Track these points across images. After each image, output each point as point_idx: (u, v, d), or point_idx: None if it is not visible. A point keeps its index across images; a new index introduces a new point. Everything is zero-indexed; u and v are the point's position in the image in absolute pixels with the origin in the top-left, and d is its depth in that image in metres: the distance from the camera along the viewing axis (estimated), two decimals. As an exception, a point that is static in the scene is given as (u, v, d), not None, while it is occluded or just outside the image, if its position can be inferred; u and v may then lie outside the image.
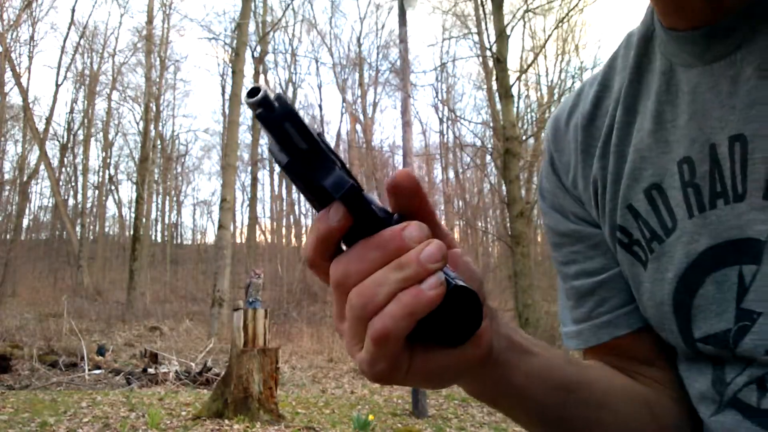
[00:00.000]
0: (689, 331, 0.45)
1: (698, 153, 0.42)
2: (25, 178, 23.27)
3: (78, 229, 24.04)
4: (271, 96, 0.28)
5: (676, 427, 0.48)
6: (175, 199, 30.94)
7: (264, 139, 28.54)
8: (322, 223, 0.31)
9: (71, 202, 26.82)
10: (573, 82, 16.27)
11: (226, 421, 5.43)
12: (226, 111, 22.06)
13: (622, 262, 0.50)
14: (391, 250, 0.31)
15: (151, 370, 9.30)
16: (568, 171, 0.54)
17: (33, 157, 24.28)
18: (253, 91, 0.29)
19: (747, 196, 0.40)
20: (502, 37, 10.64)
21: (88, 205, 27.05)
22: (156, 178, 25.77)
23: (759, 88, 0.39)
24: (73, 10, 28.54)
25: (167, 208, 30.84)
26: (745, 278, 0.40)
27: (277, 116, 0.29)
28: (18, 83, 21.59)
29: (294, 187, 0.31)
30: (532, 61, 15.20)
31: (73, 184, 27.05)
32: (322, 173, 0.30)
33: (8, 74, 21.72)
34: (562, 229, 0.55)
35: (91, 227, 28.47)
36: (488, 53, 11.82)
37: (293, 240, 29.50)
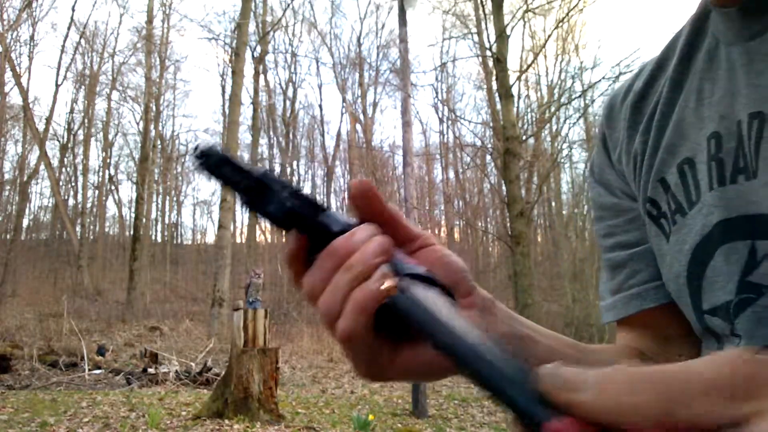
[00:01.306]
0: (699, 303, 0.45)
1: (726, 129, 0.43)
2: (25, 178, 23.26)
3: (78, 229, 24.05)
4: (206, 148, 0.33)
5: None
6: (175, 199, 30.96)
7: (264, 140, 28.59)
8: (284, 248, 0.35)
9: (71, 202, 26.83)
10: (573, 82, 16.28)
11: (226, 421, 5.43)
12: (226, 111, 22.06)
13: (650, 235, 0.51)
14: (341, 256, 0.33)
15: (151, 370, 9.30)
16: (617, 147, 0.55)
17: (33, 157, 24.29)
18: (195, 149, 0.33)
19: (759, 174, 0.40)
20: (502, 37, 10.64)
21: (88, 205, 27.07)
22: (156, 178, 25.76)
23: None
24: (73, 10, 28.54)
25: (167, 208, 30.86)
26: (757, 252, 0.40)
27: (213, 164, 0.33)
28: (18, 83, 21.59)
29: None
30: (532, 61, 15.20)
31: (73, 184, 27.06)
32: (267, 203, 0.34)
33: (8, 74, 21.73)
34: (604, 202, 0.57)
35: (91, 227, 28.48)
36: (488, 53, 11.81)
37: (293, 240, 29.51)
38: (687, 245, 0.45)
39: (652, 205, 0.50)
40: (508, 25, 10.85)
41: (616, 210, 0.56)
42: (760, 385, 0.21)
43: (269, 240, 28.86)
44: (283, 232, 0.36)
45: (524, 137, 12.65)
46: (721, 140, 0.43)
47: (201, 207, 33.35)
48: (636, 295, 0.53)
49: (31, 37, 23.38)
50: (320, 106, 32.75)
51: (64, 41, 24.13)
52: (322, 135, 29.93)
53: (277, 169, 29.16)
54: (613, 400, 0.21)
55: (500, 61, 10.58)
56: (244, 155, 24.98)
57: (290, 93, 29.24)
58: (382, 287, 0.32)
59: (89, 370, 9.58)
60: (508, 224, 10.91)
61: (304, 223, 0.35)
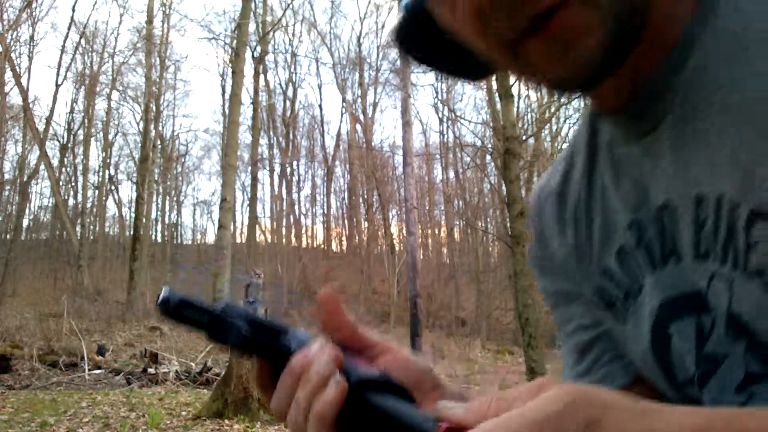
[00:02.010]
0: (674, 376, 0.47)
1: (644, 217, 0.47)
2: (25, 178, 23.27)
3: (78, 229, 24.03)
4: (165, 296, 0.36)
5: None
6: (175, 199, 30.96)
7: (264, 140, 28.59)
8: (254, 375, 0.39)
9: (71, 202, 26.84)
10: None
11: (226, 421, 5.44)
12: (226, 111, 22.06)
13: (605, 320, 0.54)
14: (299, 372, 0.37)
15: (151, 370, 9.31)
16: (550, 238, 0.58)
17: (33, 157, 24.30)
18: (157, 298, 0.37)
19: (684, 256, 0.44)
20: (502, 37, 10.63)
21: (88, 205, 27.07)
22: (156, 178, 25.76)
23: (672, 164, 0.43)
24: (73, 10, 28.54)
25: (167, 208, 30.87)
26: (704, 326, 0.43)
27: (172, 308, 0.36)
28: (18, 83, 21.59)
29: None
30: (532, 61, 15.19)
31: (73, 184, 27.08)
32: (228, 335, 0.37)
33: (8, 74, 21.73)
34: (555, 290, 0.59)
35: (91, 227, 28.49)
36: (488, 53, 11.77)
37: (293, 240, 29.52)
38: (644, 328, 0.48)
39: (601, 294, 0.52)
40: (508, 25, 10.84)
41: (569, 296, 0.58)
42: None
43: (269, 240, 28.89)
44: (249, 356, 0.39)
45: (524, 137, 12.64)
46: (642, 228, 0.47)
47: (201, 207, 33.40)
48: (606, 374, 0.54)
49: (31, 37, 23.41)
50: (320, 106, 32.84)
51: (64, 41, 24.18)
52: (322, 135, 29.97)
53: (277, 168, 29.20)
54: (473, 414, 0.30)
55: (500, 61, 10.57)
56: (244, 155, 25.00)
57: (290, 93, 29.28)
58: (336, 395, 0.35)
59: (89, 370, 9.58)
60: (508, 224, 10.91)
61: (264, 349, 0.38)
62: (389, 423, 0.34)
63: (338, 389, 0.35)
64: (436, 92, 23.84)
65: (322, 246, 31.18)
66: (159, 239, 30.78)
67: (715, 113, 0.40)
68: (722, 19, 0.40)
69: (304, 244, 30.30)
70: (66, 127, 26.15)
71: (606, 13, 0.38)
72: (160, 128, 25.73)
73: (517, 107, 15.41)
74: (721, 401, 0.42)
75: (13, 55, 21.94)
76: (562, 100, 14.73)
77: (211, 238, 31.37)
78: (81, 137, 26.07)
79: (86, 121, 25.48)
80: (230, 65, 20.26)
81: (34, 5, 22.58)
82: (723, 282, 0.40)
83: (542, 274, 0.61)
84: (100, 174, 27.32)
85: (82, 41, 24.98)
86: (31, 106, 22.20)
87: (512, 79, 11.03)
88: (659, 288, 0.46)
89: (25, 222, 27.01)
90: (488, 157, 15.61)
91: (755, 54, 0.38)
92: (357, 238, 29.59)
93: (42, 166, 23.52)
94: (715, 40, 0.40)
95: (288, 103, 29.17)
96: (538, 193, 0.61)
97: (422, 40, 0.51)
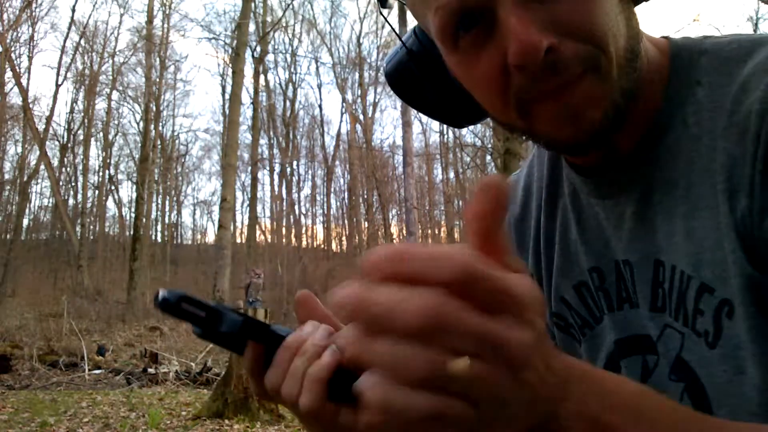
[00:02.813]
0: None
1: (605, 266, 0.53)
2: (25, 178, 23.28)
3: (78, 229, 24.03)
4: (165, 295, 0.39)
5: None
6: (175, 199, 30.98)
7: (264, 140, 28.60)
8: (244, 362, 0.42)
9: (71, 202, 26.85)
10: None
11: (226, 421, 5.44)
12: (226, 111, 22.07)
13: (560, 341, 0.60)
14: (295, 347, 0.40)
15: (151, 370, 9.31)
16: None
17: (33, 157, 24.31)
18: (156, 296, 0.39)
19: (640, 306, 0.50)
20: (502, 37, 10.65)
21: (88, 205, 27.08)
22: (156, 178, 25.76)
23: (634, 230, 0.50)
24: (73, 10, 28.52)
25: (167, 208, 30.88)
26: (648, 364, 0.50)
27: (172, 304, 0.38)
28: (18, 83, 21.60)
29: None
30: (532, 61, 15.20)
31: (73, 184, 27.09)
32: (224, 324, 0.40)
33: (8, 74, 21.74)
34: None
35: (91, 227, 28.49)
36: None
37: (293, 240, 29.52)
38: (602, 353, 0.55)
39: (558, 319, 0.59)
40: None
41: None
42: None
43: (269, 240, 28.90)
44: (238, 351, 0.42)
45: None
46: (603, 274, 0.53)
47: (201, 207, 33.41)
48: None
49: (31, 37, 23.41)
50: (320, 106, 32.84)
51: (64, 41, 24.16)
52: (322, 135, 29.97)
53: (277, 168, 29.21)
54: None
55: (500, 61, 10.59)
56: (244, 155, 25.00)
57: (290, 93, 29.28)
58: (331, 359, 0.38)
59: (89, 370, 9.58)
60: (508, 224, 10.92)
61: (258, 333, 0.41)
62: None
63: (333, 355, 0.38)
64: (436, 92, 23.78)
65: (322, 246, 31.20)
66: (159, 239, 30.81)
67: (677, 194, 0.46)
68: (687, 116, 0.47)
69: (304, 244, 30.33)
70: (66, 127, 26.18)
71: (614, 88, 0.44)
72: (160, 128, 25.74)
73: (517, 107, 15.43)
74: None
75: (13, 55, 21.96)
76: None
77: (211, 238, 31.44)
78: (81, 137, 26.10)
79: (86, 121, 25.50)
80: (230, 65, 20.28)
81: (34, 5, 22.59)
82: (676, 334, 0.47)
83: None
84: (100, 174, 27.36)
85: (82, 41, 25.00)
86: (31, 106, 22.22)
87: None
88: (616, 328, 0.53)
89: (25, 222, 27.03)
90: (488, 157, 15.62)
91: (710, 149, 0.44)
92: (357, 238, 29.59)
93: (42, 166, 23.54)
94: (681, 131, 0.47)
95: (288, 103, 29.19)
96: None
97: (414, 81, 0.57)
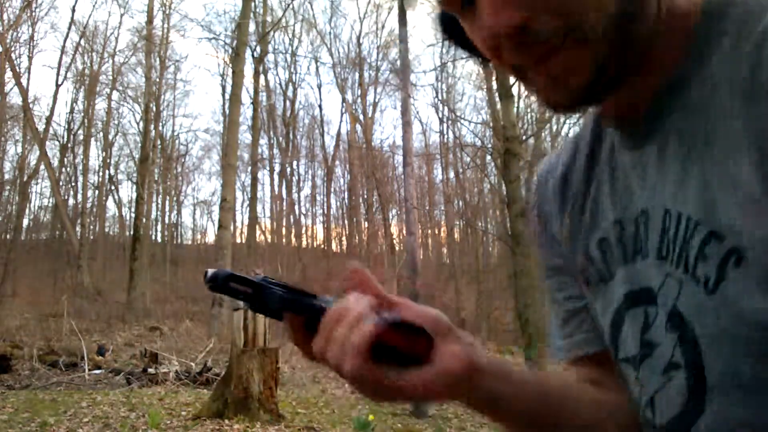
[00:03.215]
0: (617, 354, 0.57)
1: (626, 218, 0.55)
2: (25, 178, 23.27)
3: (78, 229, 24.02)
4: (213, 274, 0.44)
5: (636, 426, 0.57)
6: (175, 199, 30.95)
7: (264, 140, 28.58)
8: (288, 334, 0.49)
9: (71, 202, 26.82)
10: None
11: (226, 421, 5.43)
12: (226, 111, 22.05)
13: (587, 295, 0.63)
14: (339, 317, 0.45)
15: (151, 370, 9.30)
16: (550, 219, 0.67)
17: (33, 157, 24.30)
18: (205, 275, 0.44)
19: (649, 256, 0.52)
20: (502, 37, 10.61)
21: (88, 205, 27.06)
22: (156, 178, 25.76)
23: (653, 180, 0.51)
24: (73, 10, 28.53)
25: (167, 208, 30.85)
26: (649, 316, 0.52)
27: (220, 282, 0.43)
28: (18, 83, 21.59)
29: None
30: (532, 61, 15.16)
31: (73, 184, 27.06)
32: (269, 300, 0.45)
33: (8, 74, 21.73)
34: (550, 264, 0.68)
35: (91, 227, 28.47)
36: (488, 53, 11.75)
37: (293, 240, 29.51)
38: (610, 308, 0.57)
39: (582, 274, 0.61)
40: (508, 25, 10.82)
41: (561, 270, 0.67)
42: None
43: (269, 240, 28.88)
44: (282, 320, 0.47)
45: (524, 137, 12.63)
46: (623, 226, 0.55)
47: (201, 207, 33.37)
48: (585, 339, 0.65)
49: (31, 37, 23.40)
50: (320, 106, 32.84)
51: (64, 41, 24.14)
52: (322, 135, 29.95)
53: (277, 168, 29.20)
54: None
55: (500, 61, 10.56)
56: (244, 155, 25.00)
57: (290, 93, 29.26)
58: (370, 329, 0.43)
59: (89, 370, 9.58)
60: (508, 224, 10.90)
61: (301, 305, 0.46)
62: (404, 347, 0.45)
63: (372, 324, 0.44)
64: (436, 92, 23.81)
65: (322, 246, 31.17)
66: (159, 239, 30.78)
67: (697, 144, 0.47)
68: (712, 66, 0.47)
69: (304, 244, 30.31)
70: (66, 127, 26.15)
71: (598, 53, 0.46)
72: (160, 128, 25.72)
73: (517, 107, 15.39)
74: (650, 380, 0.52)
75: (13, 55, 21.95)
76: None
77: (211, 238, 31.39)
78: (81, 137, 26.06)
79: (86, 121, 25.47)
80: (230, 65, 20.26)
81: (34, 5, 22.58)
82: (675, 282, 0.49)
83: (541, 247, 0.70)
84: (100, 174, 27.34)
85: (82, 41, 24.98)
86: (31, 106, 22.21)
87: (512, 79, 11.03)
88: (626, 281, 0.55)
89: (25, 222, 27.02)
90: (488, 157, 15.62)
91: (732, 101, 0.44)
92: (357, 238, 29.58)
93: (42, 166, 23.54)
94: (703, 81, 0.47)
95: (288, 103, 29.17)
96: (543, 173, 0.69)
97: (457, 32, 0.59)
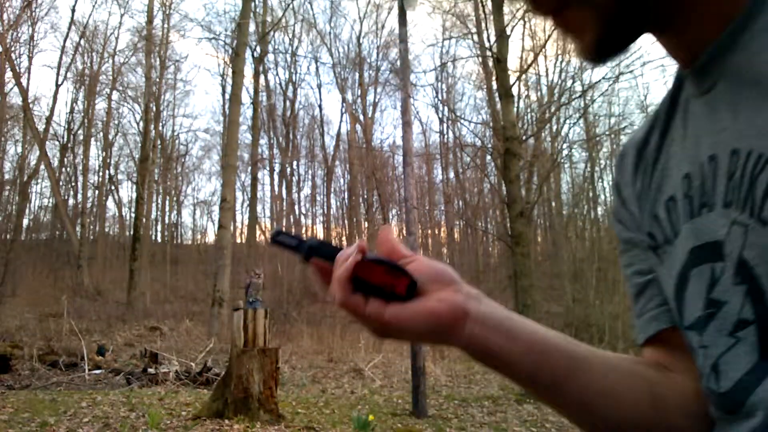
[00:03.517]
0: (682, 321, 0.53)
1: (694, 170, 0.51)
2: (25, 178, 23.28)
3: (78, 229, 24.04)
4: (273, 231, 0.59)
5: (678, 407, 0.55)
6: (175, 199, 30.96)
7: (264, 140, 28.57)
8: (314, 278, 0.58)
9: (71, 202, 26.84)
10: (573, 82, 16.26)
11: (226, 421, 5.43)
12: (226, 111, 22.05)
13: (653, 264, 0.59)
14: (339, 260, 0.53)
15: (151, 370, 9.30)
16: (624, 187, 0.64)
17: (33, 157, 24.31)
18: (271, 231, 0.59)
19: (715, 206, 0.48)
20: (502, 37, 10.64)
21: (88, 205, 27.07)
22: (156, 178, 25.77)
23: (725, 120, 0.48)
24: (73, 10, 28.55)
25: (167, 208, 30.87)
26: (715, 272, 0.48)
27: (273, 238, 0.59)
28: (18, 83, 21.61)
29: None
30: (532, 61, 15.19)
31: (73, 184, 27.08)
32: (303, 249, 0.57)
33: (8, 74, 21.74)
34: (623, 237, 0.65)
35: (91, 227, 28.48)
36: (488, 53, 11.82)
37: (293, 240, 29.45)
38: (674, 271, 0.53)
39: (650, 238, 0.58)
40: (508, 25, 10.84)
41: (632, 243, 0.63)
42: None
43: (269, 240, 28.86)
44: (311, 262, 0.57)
45: (524, 137, 12.64)
46: (691, 179, 0.52)
47: (201, 207, 33.36)
48: (653, 317, 0.60)
49: (31, 37, 23.42)
50: (320, 106, 32.81)
51: (64, 41, 24.16)
52: (322, 135, 29.95)
53: (277, 168, 29.20)
54: None
55: (500, 61, 10.58)
56: (244, 155, 24.99)
57: (290, 93, 29.27)
58: (349, 264, 0.51)
59: (89, 370, 9.58)
60: (508, 224, 10.90)
61: (323, 253, 0.56)
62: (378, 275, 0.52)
63: (352, 260, 0.51)
64: (436, 92, 23.82)
65: (322, 246, 31.12)
66: (159, 239, 30.80)
67: (766, 80, 0.44)
68: None
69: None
70: (66, 127, 26.16)
71: (602, 13, 0.46)
72: (160, 128, 25.74)
73: (517, 107, 15.41)
74: (715, 343, 0.48)
75: (13, 55, 21.95)
76: (563, 100, 14.74)
77: (211, 238, 31.38)
78: (81, 137, 26.09)
79: (86, 121, 25.49)
80: (230, 65, 20.26)
81: (34, 5, 22.59)
82: (740, 229, 0.45)
83: (616, 222, 0.67)
84: (100, 174, 27.34)
85: (82, 41, 24.99)
86: (31, 106, 22.22)
87: (512, 79, 11.03)
88: (692, 236, 0.51)
89: (25, 222, 27.00)
90: (488, 157, 15.62)
91: None
92: (357, 238, 29.58)
93: (42, 166, 23.55)
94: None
95: (288, 103, 29.17)
96: (624, 146, 0.67)
97: None
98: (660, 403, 0.55)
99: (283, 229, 0.60)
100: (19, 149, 25.13)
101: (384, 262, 0.52)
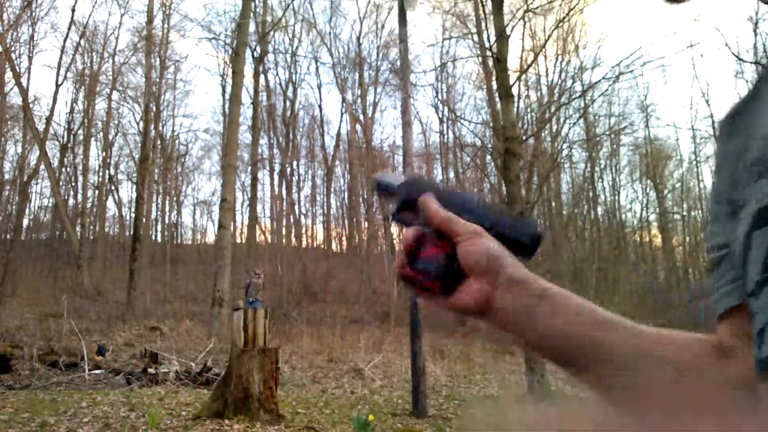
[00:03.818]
0: (746, 290, 0.49)
1: None
2: (25, 178, 23.26)
3: (78, 229, 24.03)
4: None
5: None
6: (175, 199, 30.95)
7: (264, 140, 28.57)
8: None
9: (71, 202, 26.83)
10: (573, 82, 16.26)
11: (226, 421, 5.43)
12: (226, 111, 22.04)
13: (730, 235, 0.55)
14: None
15: (151, 370, 9.30)
16: (716, 158, 0.61)
17: (33, 157, 24.29)
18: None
19: None
20: (502, 37, 10.63)
21: (88, 205, 27.06)
22: (156, 178, 25.76)
23: None
24: (73, 10, 28.49)
25: (167, 208, 30.86)
26: None
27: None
28: (18, 83, 21.59)
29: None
30: (532, 61, 15.20)
31: (73, 184, 27.07)
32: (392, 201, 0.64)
33: (8, 74, 21.73)
34: (710, 210, 0.62)
35: (91, 227, 28.48)
36: (488, 53, 11.82)
37: (293, 240, 29.50)
38: (741, 236, 0.49)
39: (729, 205, 0.54)
40: (508, 25, 10.84)
41: (715, 215, 0.59)
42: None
43: (269, 240, 28.87)
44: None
45: (524, 137, 12.63)
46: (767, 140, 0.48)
47: (201, 207, 33.36)
48: (726, 293, 0.56)
49: (31, 37, 23.39)
50: (320, 106, 32.75)
51: (64, 41, 24.12)
52: (322, 135, 29.95)
53: (277, 168, 29.20)
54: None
55: (500, 61, 10.57)
56: (244, 155, 24.99)
57: (290, 93, 29.26)
58: (409, 236, 0.59)
59: (89, 370, 9.58)
60: (508, 224, 10.86)
61: (402, 220, 0.63)
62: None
63: (411, 235, 0.59)
64: (436, 92, 23.79)
65: (322, 246, 31.18)
66: (159, 239, 30.79)
67: None
68: None
69: (304, 244, 30.30)
70: (66, 127, 26.14)
71: None
72: (160, 128, 25.73)
73: (517, 107, 15.41)
74: (765, 308, 0.45)
75: (13, 55, 21.94)
76: (563, 100, 14.73)
77: (211, 238, 31.38)
78: (81, 137, 26.07)
79: (86, 121, 25.48)
80: (230, 65, 20.26)
81: (34, 5, 22.58)
82: None
83: (710, 197, 0.63)
84: (100, 174, 27.33)
85: (82, 41, 24.97)
86: (31, 106, 22.20)
87: (512, 79, 11.03)
88: (756, 198, 0.48)
89: (25, 222, 27.00)
90: (488, 157, 15.61)
91: None
92: (357, 238, 29.59)
93: (42, 166, 23.53)
94: None
95: (288, 103, 29.17)
96: (722, 117, 0.63)
97: None
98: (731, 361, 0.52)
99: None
100: (19, 149, 25.14)
101: (426, 264, 0.59)
